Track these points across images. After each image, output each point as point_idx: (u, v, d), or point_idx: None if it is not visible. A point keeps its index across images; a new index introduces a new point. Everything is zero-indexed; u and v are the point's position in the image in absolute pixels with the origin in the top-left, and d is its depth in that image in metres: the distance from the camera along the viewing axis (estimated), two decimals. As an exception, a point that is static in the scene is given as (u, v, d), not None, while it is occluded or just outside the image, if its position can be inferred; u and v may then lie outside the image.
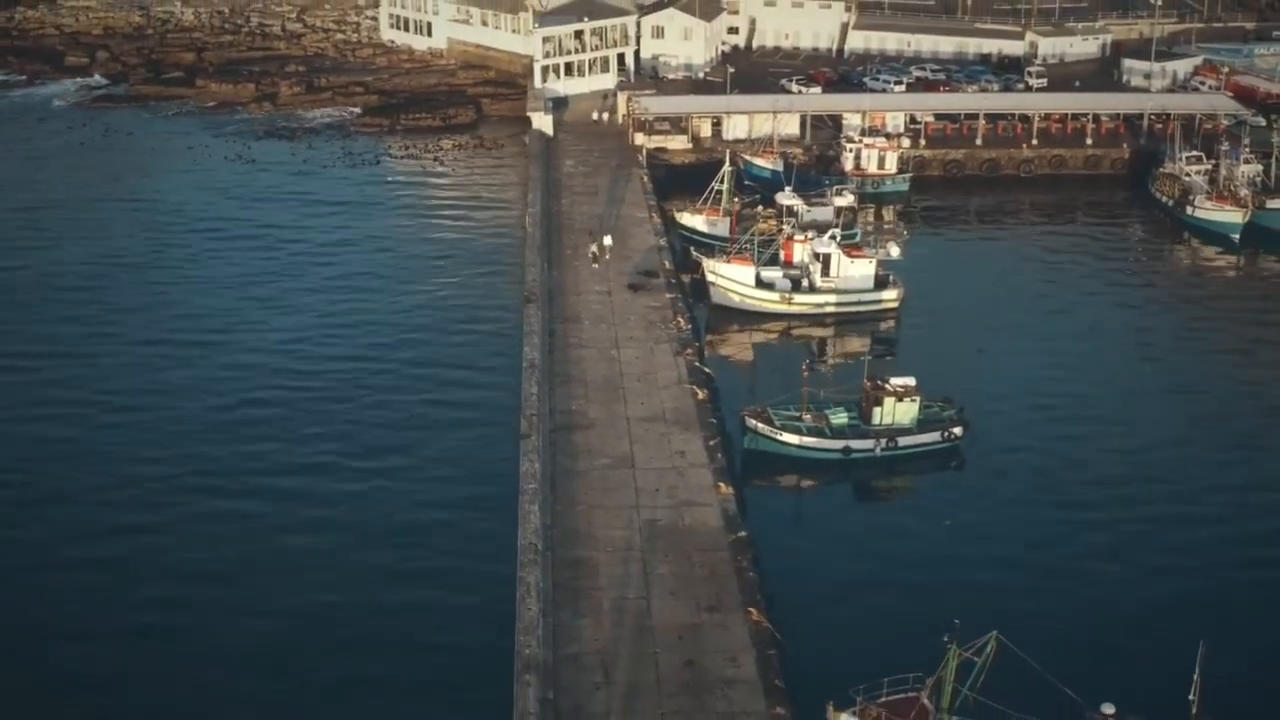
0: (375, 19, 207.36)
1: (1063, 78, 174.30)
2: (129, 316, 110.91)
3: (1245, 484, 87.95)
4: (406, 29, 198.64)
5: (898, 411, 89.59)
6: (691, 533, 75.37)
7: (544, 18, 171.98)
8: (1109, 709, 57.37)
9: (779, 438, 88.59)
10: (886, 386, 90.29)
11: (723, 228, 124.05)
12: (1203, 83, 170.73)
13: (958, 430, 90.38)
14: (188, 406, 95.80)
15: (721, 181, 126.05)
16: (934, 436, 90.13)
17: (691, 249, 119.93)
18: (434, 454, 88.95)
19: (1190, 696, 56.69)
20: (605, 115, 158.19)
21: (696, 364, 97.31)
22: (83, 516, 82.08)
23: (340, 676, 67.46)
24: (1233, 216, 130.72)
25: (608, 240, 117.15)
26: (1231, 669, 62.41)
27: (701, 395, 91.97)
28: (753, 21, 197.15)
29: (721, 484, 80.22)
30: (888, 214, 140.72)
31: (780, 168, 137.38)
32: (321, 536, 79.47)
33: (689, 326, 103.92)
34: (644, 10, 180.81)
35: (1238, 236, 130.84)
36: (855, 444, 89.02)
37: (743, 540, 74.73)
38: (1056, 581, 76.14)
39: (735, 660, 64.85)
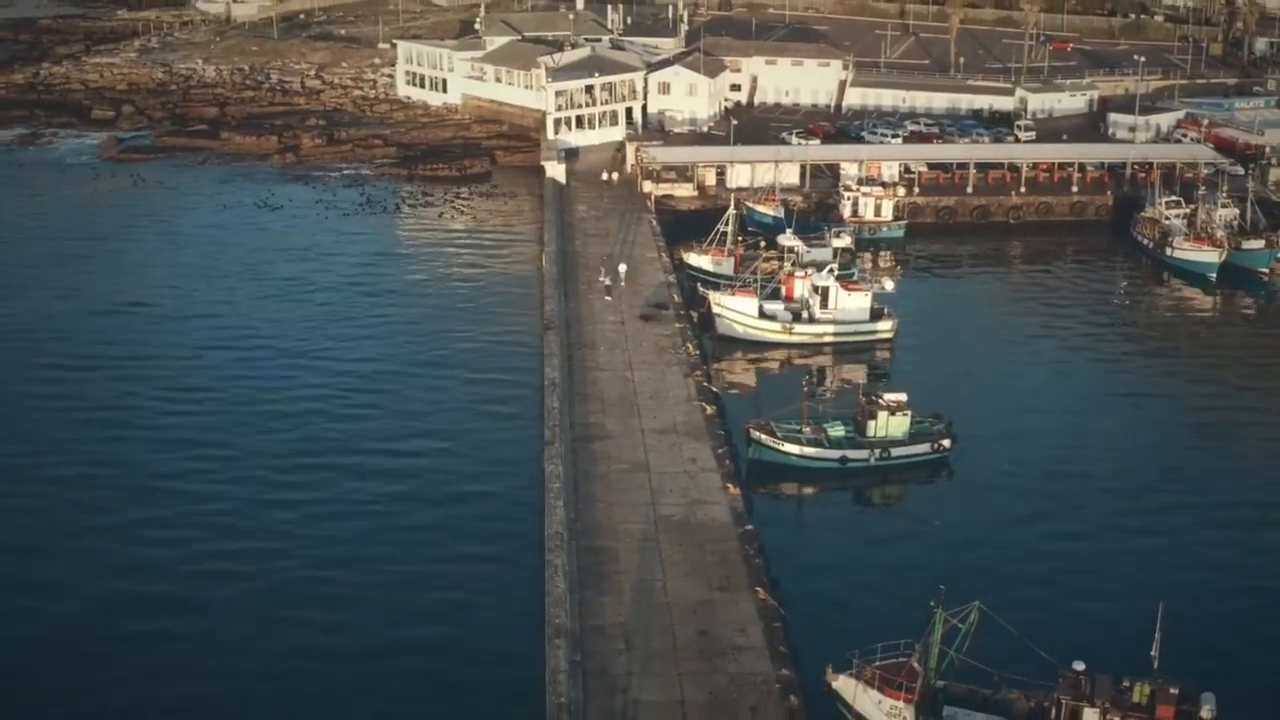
0: (391, 76, 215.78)
1: (1051, 131, 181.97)
2: (167, 343, 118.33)
3: (1200, 476, 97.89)
4: (422, 85, 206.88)
5: (891, 425, 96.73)
6: (702, 526, 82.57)
7: (556, 73, 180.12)
8: (1079, 666, 64.40)
9: (781, 448, 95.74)
10: (880, 402, 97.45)
11: (727, 267, 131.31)
12: (1184, 135, 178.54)
13: (946, 442, 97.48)
14: (231, 414, 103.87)
15: (726, 224, 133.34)
16: (924, 448, 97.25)
17: (698, 285, 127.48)
18: (456, 468, 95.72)
19: (1152, 653, 63.74)
20: (615, 175, 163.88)
21: (705, 384, 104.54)
22: (138, 503, 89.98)
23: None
24: (1209, 256, 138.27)
25: (622, 268, 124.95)
26: (1187, 627, 70.19)
27: (710, 411, 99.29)
28: (754, 79, 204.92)
29: (730, 485, 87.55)
30: (884, 258, 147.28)
31: (782, 214, 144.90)
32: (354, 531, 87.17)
33: (697, 352, 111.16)
34: (651, 67, 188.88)
35: (1214, 275, 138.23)
36: (851, 454, 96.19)
37: (749, 533, 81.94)
38: (1033, 563, 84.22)
39: (744, 631, 71.91)
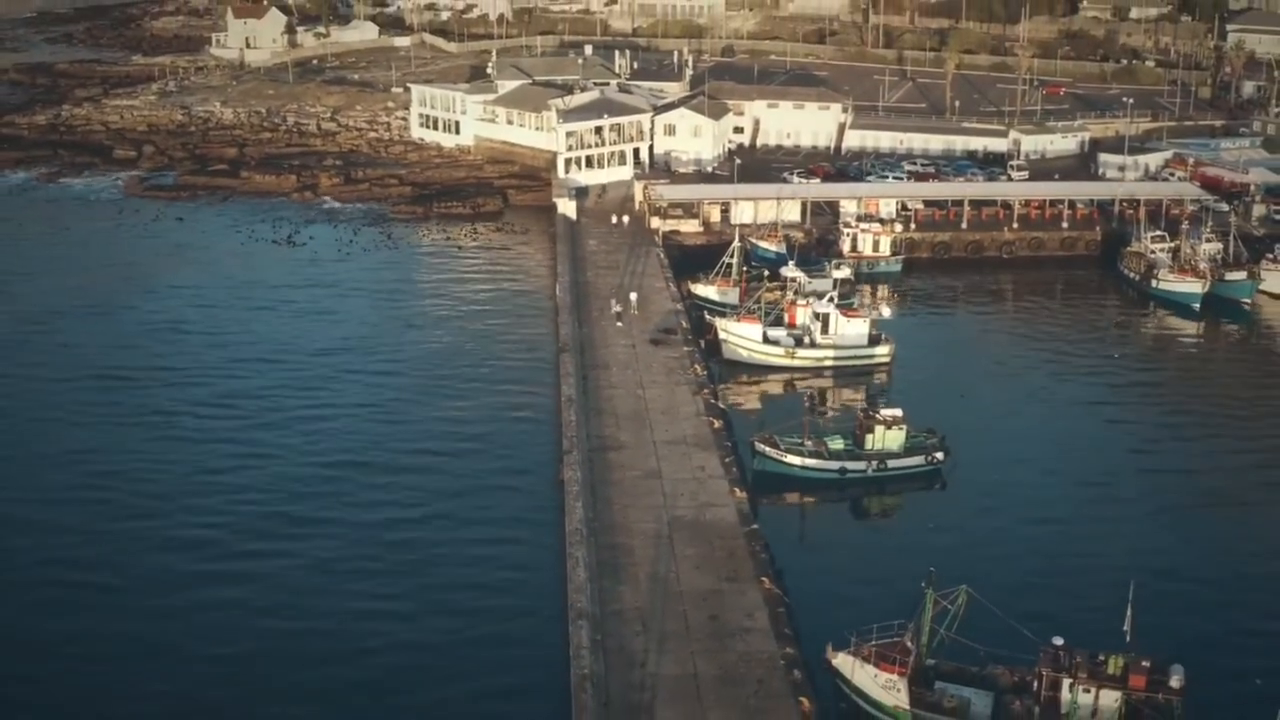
0: (405, 119, 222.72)
1: (1043, 172, 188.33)
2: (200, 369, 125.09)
3: (1172, 478, 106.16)
4: (435, 127, 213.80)
5: (887, 438, 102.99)
6: (711, 525, 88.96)
7: (567, 114, 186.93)
8: (1058, 641, 70.63)
9: (784, 459, 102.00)
10: (877, 416, 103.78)
11: (733, 297, 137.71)
12: (1172, 174, 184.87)
13: (939, 455, 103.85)
14: (271, 424, 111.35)
15: (731, 256, 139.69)
16: (918, 460, 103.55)
17: (705, 313, 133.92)
18: (478, 478, 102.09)
19: (1124, 627, 69.85)
20: (625, 218, 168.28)
21: (712, 401, 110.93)
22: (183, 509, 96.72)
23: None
24: (1193, 286, 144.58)
25: (633, 296, 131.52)
26: (1157, 608, 76.85)
27: (717, 425, 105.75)
28: (757, 122, 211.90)
29: (737, 490, 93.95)
30: (882, 292, 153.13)
31: (784, 249, 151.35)
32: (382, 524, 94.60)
33: (705, 373, 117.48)
34: (658, 110, 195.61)
35: (1198, 305, 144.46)
36: (850, 465, 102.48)
37: (755, 531, 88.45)
38: (1016, 554, 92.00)
39: (751, 615, 78.21)
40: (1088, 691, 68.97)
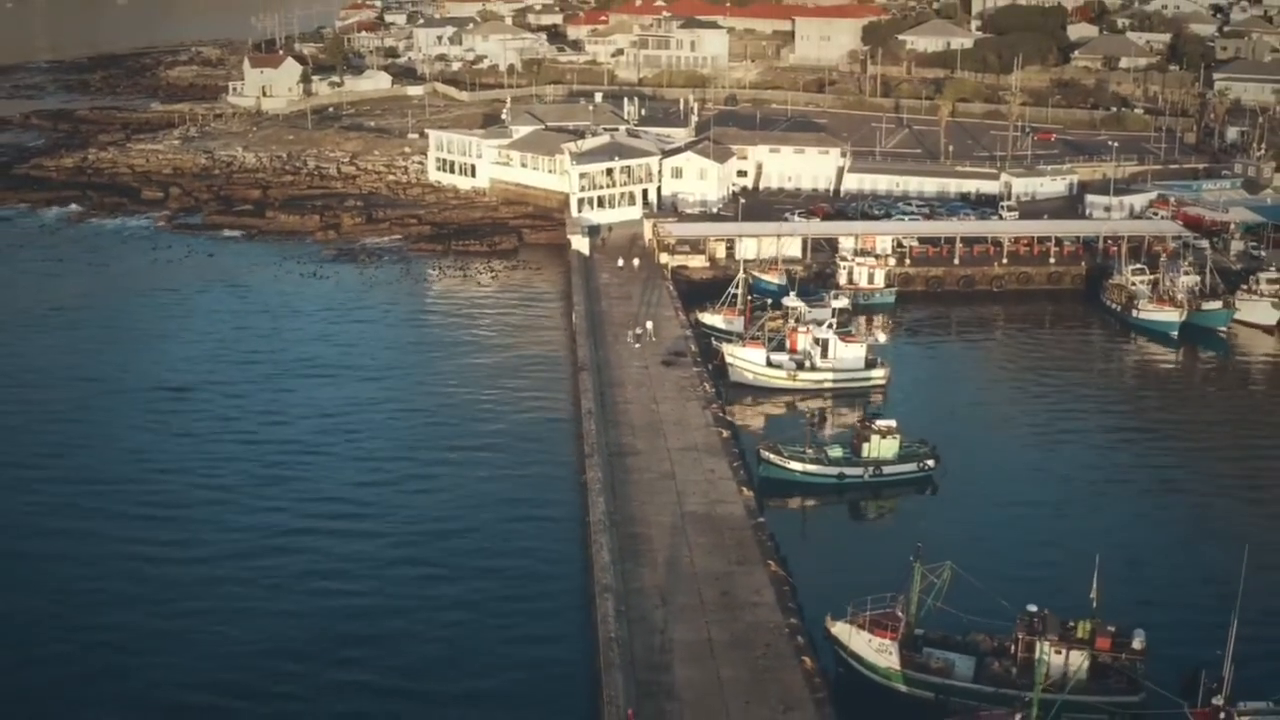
0: (422, 163, 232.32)
1: (1033, 213, 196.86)
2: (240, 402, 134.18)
3: (1134, 474, 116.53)
4: (452, 170, 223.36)
5: (882, 447, 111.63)
6: (722, 519, 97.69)
7: (579, 157, 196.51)
8: (1032, 608, 79.31)
9: (787, 465, 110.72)
10: (873, 426, 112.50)
11: (738, 325, 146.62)
12: (1155, 213, 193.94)
13: (931, 462, 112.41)
14: (315, 437, 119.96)
15: (736, 288, 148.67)
16: (911, 467, 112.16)
17: (713, 340, 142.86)
18: (500, 495, 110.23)
19: (1091, 595, 78.50)
20: (635, 261, 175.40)
21: (721, 415, 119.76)
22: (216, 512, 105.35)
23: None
24: (1171, 316, 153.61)
25: (649, 324, 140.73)
26: (1119, 573, 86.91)
27: (726, 435, 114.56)
28: (759, 165, 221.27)
29: (744, 489, 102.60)
30: (877, 321, 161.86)
31: (785, 282, 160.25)
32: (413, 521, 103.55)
33: (713, 390, 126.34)
34: (666, 153, 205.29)
35: (1176, 334, 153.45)
36: (848, 471, 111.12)
37: (762, 524, 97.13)
38: (998, 539, 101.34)
39: (759, 592, 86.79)
40: (1059, 653, 77.48)
